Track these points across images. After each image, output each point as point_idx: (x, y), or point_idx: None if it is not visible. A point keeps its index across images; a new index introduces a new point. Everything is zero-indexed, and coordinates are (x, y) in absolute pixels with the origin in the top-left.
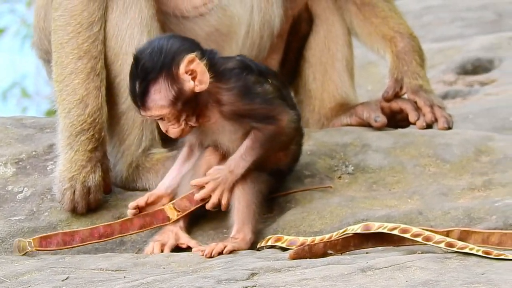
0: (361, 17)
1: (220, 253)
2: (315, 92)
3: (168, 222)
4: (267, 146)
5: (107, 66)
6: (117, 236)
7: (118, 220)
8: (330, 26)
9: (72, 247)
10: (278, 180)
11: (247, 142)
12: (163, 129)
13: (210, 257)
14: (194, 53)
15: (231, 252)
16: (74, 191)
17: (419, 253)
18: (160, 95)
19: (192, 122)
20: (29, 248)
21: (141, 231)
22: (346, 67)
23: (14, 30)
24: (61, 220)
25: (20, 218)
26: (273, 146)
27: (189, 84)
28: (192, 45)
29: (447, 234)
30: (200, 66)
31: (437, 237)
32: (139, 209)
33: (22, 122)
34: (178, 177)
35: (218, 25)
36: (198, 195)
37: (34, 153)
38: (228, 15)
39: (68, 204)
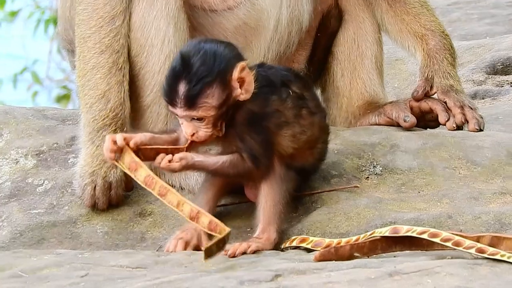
0: (392, 14)
1: (244, 253)
2: (343, 89)
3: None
4: (235, 173)
5: (131, 58)
6: None
7: None
8: (360, 23)
9: None
10: (303, 179)
11: (229, 157)
12: (190, 131)
13: (233, 256)
14: (245, 62)
15: (254, 252)
16: (95, 187)
17: (448, 258)
18: (213, 99)
19: (221, 130)
20: None
21: None
22: (375, 64)
23: (27, 14)
24: (81, 214)
25: (40, 211)
26: (235, 176)
27: (236, 91)
28: (240, 52)
29: (478, 239)
30: (249, 75)
31: (468, 242)
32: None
33: (43, 113)
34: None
35: (247, 19)
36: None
37: (55, 145)
38: (257, 9)
39: (88, 200)
